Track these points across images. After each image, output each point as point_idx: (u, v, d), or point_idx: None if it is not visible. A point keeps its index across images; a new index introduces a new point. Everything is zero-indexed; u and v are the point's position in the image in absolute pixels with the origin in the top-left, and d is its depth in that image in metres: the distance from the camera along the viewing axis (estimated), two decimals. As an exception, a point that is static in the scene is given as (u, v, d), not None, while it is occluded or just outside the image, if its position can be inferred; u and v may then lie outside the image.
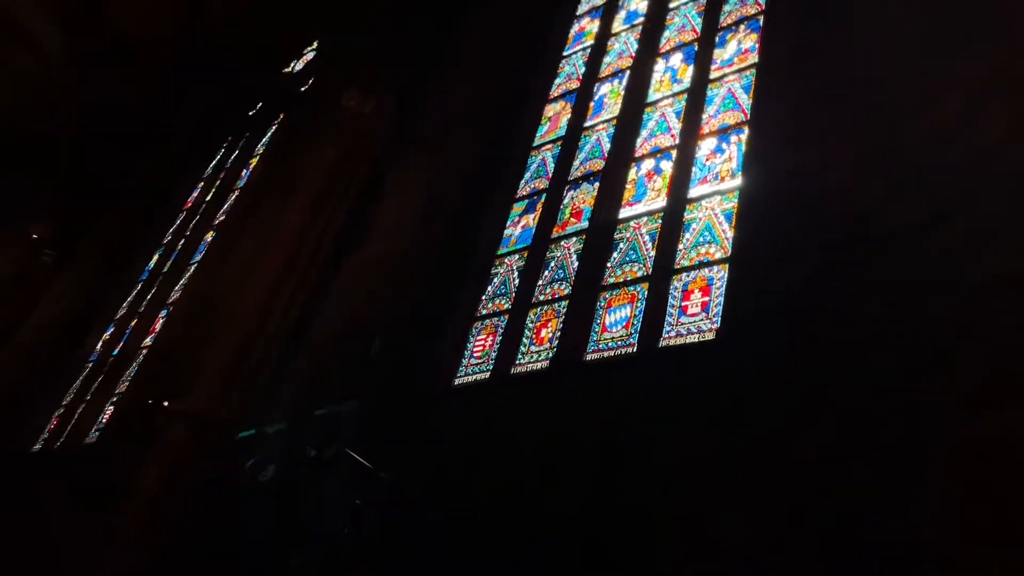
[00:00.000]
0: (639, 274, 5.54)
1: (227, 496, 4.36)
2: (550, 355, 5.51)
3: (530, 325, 5.89)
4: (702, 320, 4.94)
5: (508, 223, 6.78)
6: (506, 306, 6.15)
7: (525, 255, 6.36)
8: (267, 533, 3.81)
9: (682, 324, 5.04)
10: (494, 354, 5.87)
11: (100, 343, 10.40)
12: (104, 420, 8.89)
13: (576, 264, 5.96)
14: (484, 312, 6.28)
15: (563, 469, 3.67)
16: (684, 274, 5.27)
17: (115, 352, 9.93)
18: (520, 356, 5.74)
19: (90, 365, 10.12)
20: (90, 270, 11.29)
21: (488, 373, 5.76)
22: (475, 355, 6.06)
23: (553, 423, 4.04)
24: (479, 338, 6.15)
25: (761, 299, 4.42)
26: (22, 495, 8.24)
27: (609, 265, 5.77)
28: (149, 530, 5.86)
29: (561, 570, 3.36)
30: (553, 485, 3.36)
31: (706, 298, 5.05)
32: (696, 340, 4.83)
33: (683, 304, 5.15)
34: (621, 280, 5.60)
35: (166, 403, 7.13)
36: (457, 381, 5.91)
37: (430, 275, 6.51)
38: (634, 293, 5.49)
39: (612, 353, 5.21)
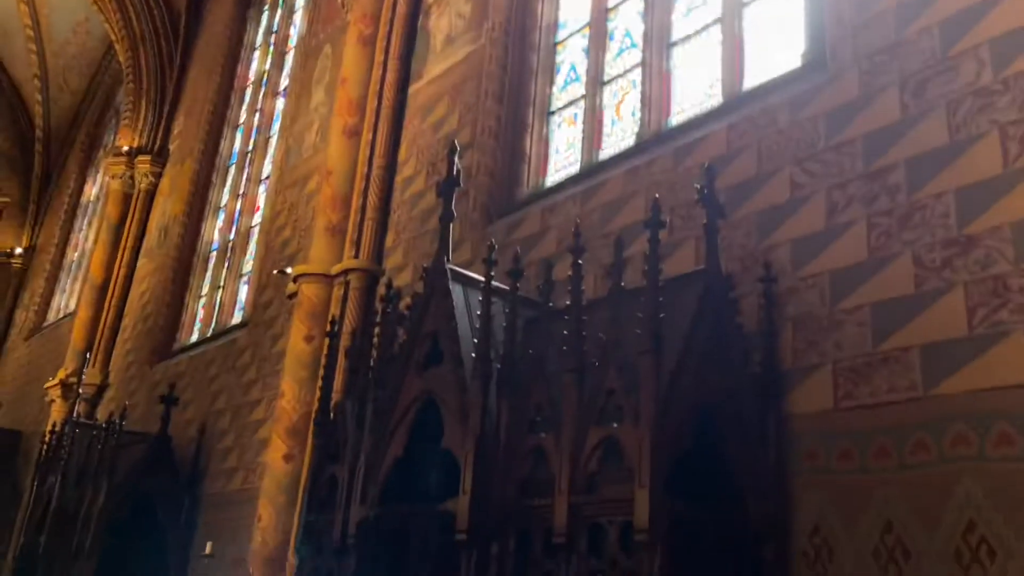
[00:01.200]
0: (709, 19, 5.16)
1: (369, 335, 4.58)
2: (635, 129, 5.34)
3: (608, 104, 5.68)
4: (785, 49, 4.60)
5: (560, 4, 6.40)
6: (580, 92, 5.93)
7: (587, 32, 6.03)
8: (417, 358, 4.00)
9: (764, 59, 4.72)
10: (579, 144, 5.74)
11: (216, 231, 10.89)
12: (242, 299, 9.47)
13: (641, 27, 5.60)
14: (559, 104, 6.09)
15: (671, 235, 3.63)
16: (755, 4, 4.86)
17: (231, 236, 10.40)
18: (605, 138, 5.59)
19: (214, 253, 10.68)
20: (185, 164, 11.65)
21: (577, 164, 5.66)
22: (560, 150, 5.95)
23: (650, 194, 3.96)
24: (560, 131, 6.01)
25: (844, 10, 4.04)
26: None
27: (675, 18, 5.40)
28: (305, 384, 6.39)
29: (681, 322, 3.36)
30: (661, 253, 3.32)
31: (786, 24, 4.67)
32: (783, 72, 4.52)
33: (762, 37, 4.80)
34: (692, 32, 5.25)
35: (289, 269, 7.50)
36: (549, 180, 5.86)
37: (496, 79, 6.29)
38: (709, 40, 5.14)
39: (697, 111, 4.98)
